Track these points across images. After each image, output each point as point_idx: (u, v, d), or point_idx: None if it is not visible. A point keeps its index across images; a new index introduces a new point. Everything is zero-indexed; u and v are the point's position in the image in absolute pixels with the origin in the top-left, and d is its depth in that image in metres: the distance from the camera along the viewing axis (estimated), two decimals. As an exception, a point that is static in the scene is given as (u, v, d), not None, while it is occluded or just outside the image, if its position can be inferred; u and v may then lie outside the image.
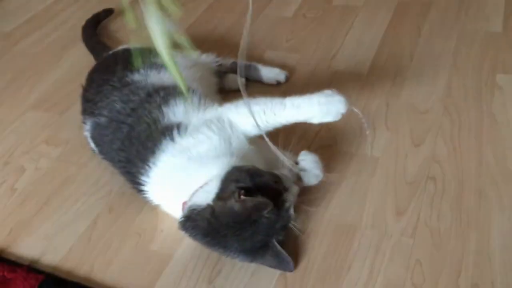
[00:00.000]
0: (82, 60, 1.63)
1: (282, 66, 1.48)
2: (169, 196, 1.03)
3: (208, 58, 1.42)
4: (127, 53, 1.27)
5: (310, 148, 1.22)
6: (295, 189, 0.99)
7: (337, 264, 0.98)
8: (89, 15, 1.86)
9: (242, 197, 0.89)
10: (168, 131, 1.03)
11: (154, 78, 1.17)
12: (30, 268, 1.01)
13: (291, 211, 0.96)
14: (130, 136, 1.08)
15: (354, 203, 1.09)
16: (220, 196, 0.92)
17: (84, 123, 1.22)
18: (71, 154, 1.30)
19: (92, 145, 1.21)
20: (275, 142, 1.02)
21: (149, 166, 1.02)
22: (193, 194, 0.96)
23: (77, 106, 1.43)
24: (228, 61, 1.45)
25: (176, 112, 1.07)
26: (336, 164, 1.18)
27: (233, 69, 1.46)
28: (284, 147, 1.07)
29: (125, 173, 1.11)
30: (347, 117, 1.28)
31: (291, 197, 0.97)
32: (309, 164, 1.04)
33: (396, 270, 0.95)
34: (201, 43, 1.58)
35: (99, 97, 1.18)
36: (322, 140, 1.25)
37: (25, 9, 2.00)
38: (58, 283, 0.98)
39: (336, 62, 1.51)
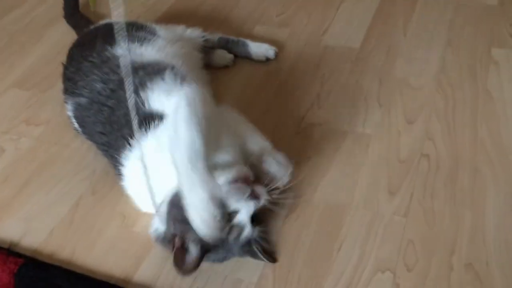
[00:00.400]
0: (65, 38, 1.57)
1: (271, 42, 1.43)
2: (141, 194, 0.96)
3: (194, 33, 1.37)
4: (108, 27, 1.21)
5: (300, 126, 1.19)
6: (249, 207, 0.87)
7: (328, 244, 0.95)
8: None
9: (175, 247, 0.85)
10: (144, 122, 0.94)
11: (135, 53, 1.11)
12: (10, 252, 0.97)
13: (247, 230, 0.88)
14: (111, 120, 1.01)
15: (346, 182, 1.05)
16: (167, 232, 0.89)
17: (66, 102, 1.17)
18: (52, 134, 1.25)
19: (76, 125, 1.16)
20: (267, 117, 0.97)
21: (125, 156, 0.96)
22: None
23: (59, 85, 1.38)
24: (215, 37, 1.40)
25: (152, 99, 0.97)
26: (327, 143, 1.14)
27: (220, 45, 1.41)
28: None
29: (107, 156, 1.06)
30: (340, 94, 1.26)
31: (242, 218, 0.87)
32: (273, 166, 0.95)
33: (388, 250, 0.92)
34: (188, 18, 1.53)
35: (79, 75, 1.13)
36: (313, 118, 1.21)
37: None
38: (39, 267, 0.94)
39: (328, 37, 1.46)
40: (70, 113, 1.16)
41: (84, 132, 1.14)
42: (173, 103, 0.92)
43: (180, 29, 1.35)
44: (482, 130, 1.13)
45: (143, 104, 0.96)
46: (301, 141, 1.15)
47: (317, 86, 1.29)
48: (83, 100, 1.09)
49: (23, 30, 1.66)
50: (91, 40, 1.20)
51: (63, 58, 1.39)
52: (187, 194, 0.82)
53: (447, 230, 0.94)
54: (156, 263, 0.95)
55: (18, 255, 0.97)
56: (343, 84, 1.29)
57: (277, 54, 1.41)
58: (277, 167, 0.95)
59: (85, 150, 1.19)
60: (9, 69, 1.50)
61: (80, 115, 1.11)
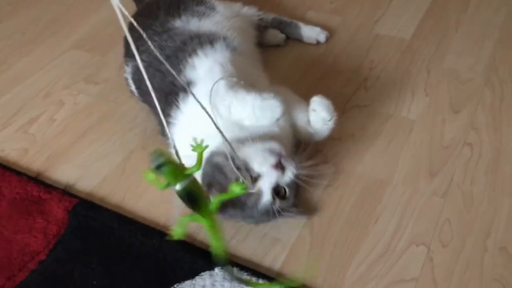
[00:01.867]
0: (125, 5, 1.65)
1: (323, 28, 1.47)
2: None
3: (250, 11, 1.42)
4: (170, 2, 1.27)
5: (345, 106, 1.22)
6: (271, 176, 0.89)
7: (365, 216, 0.98)
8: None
9: None
10: (183, 89, 0.98)
11: (193, 25, 1.16)
12: (65, 192, 1.04)
13: (266, 198, 0.89)
14: (162, 86, 1.06)
15: (387, 161, 1.08)
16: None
17: (126, 65, 1.23)
18: (109, 93, 1.32)
19: (133, 87, 1.22)
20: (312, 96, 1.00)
21: (170, 122, 0.99)
22: None
23: (118, 48, 1.46)
24: (269, 16, 1.45)
25: (199, 65, 1.02)
26: (372, 124, 1.17)
27: (273, 25, 1.45)
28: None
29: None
30: (387, 80, 1.29)
31: (262, 185, 0.89)
32: (318, 106, 0.99)
33: (424, 225, 0.95)
34: (244, -2, 1.58)
35: (141, 41, 1.19)
36: (359, 99, 1.24)
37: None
38: (91, 207, 1.01)
39: (379, 26, 1.48)
40: (128, 76, 1.22)
41: (139, 94, 1.20)
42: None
43: (237, 6, 1.40)
44: (528, 126, 1.14)
45: (186, 71, 1.01)
46: (345, 120, 1.18)
47: (365, 70, 1.32)
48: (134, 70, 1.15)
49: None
50: (153, 10, 1.26)
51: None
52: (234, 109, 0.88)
53: (484, 214, 0.96)
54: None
55: (73, 195, 1.04)
56: (391, 71, 1.32)
57: (327, 39, 1.44)
58: (321, 107, 0.98)
59: (138, 110, 1.26)
60: (71, 30, 1.58)
61: (138, 78, 1.18)
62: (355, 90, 1.26)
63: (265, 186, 0.88)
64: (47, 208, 1.00)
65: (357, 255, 0.91)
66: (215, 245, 0.73)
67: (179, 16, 1.18)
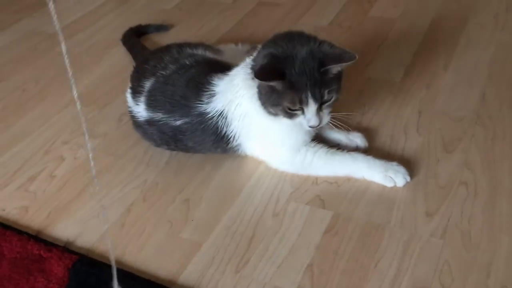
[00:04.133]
0: (122, 61, 1.70)
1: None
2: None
3: (245, 47, 1.54)
4: (179, 45, 1.36)
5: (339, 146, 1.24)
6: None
7: (365, 260, 0.98)
8: (130, 19, 1.94)
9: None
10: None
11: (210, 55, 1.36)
12: (65, 249, 1.05)
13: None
14: (184, 92, 1.20)
15: (384, 203, 1.09)
16: None
17: (137, 98, 1.27)
18: (108, 146, 1.35)
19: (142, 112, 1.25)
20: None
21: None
22: None
23: (116, 103, 1.50)
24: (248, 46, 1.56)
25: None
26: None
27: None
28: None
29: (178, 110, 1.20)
30: (379, 121, 1.31)
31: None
32: (355, 137, 1.23)
33: (424, 268, 0.95)
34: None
35: (159, 64, 1.28)
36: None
37: (69, 12, 2.09)
38: (91, 264, 1.01)
39: (370, 70, 1.52)
40: (140, 108, 1.25)
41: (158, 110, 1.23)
42: None
43: (233, 46, 1.56)
44: (521, 162, 1.15)
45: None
46: (341, 164, 1.20)
47: (358, 115, 1.35)
48: (161, 77, 1.24)
49: (85, 52, 1.80)
50: (164, 50, 1.35)
51: (120, 78, 1.53)
52: None
53: (484, 253, 0.96)
54: (200, 268, 1.00)
55: (73, 252, 1.04)
56: (383, 114, 1.34)
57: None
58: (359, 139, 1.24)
59: (138, 162, 1.28)
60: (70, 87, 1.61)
61: (158, 90, 1.23)
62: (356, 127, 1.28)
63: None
64: (47, 267, 1.00)
65: (358, 302, 0.91)
66: None
67: (196, 48, 1.33)
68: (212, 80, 1.19)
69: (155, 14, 1.99)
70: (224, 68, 1.21)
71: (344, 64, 1.05)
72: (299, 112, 1.07)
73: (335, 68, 1.05)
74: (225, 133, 1.18)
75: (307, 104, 1.05)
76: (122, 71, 1.64)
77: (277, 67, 1.04)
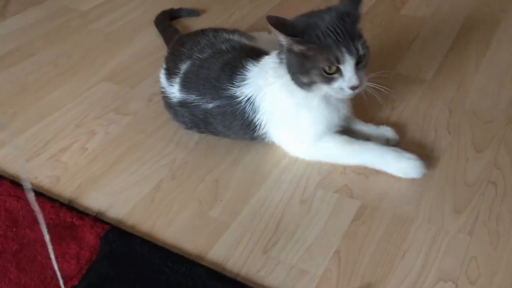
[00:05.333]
0: (153, 42, 1.72)
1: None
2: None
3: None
4: (215, 30, 1.37)
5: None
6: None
7: (391, 251, 0.99)
8: (161, 2, 1.96)
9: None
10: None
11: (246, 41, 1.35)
12: (97, 218, 1.07)
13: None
14: (219, 74, 1.21)
15: (412, 197, 1.10)
16: None
17: (172, 79, 1.28)
18: (138, 124, 1.37)
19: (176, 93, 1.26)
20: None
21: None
22: None
23: (147, 82, 1.52)
24: None
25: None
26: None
27: None
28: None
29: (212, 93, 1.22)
30: (408, 117, 1.32)
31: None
32: (386, 131, 1.23)
33: (451, 263, 0.96)
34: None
35: (194, 48, 1.29)
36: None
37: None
38: (122, 234, 1.03)
39: (400, 67, 1.53)
40: (175, 89, 1.26)
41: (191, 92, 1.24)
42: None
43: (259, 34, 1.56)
44: (551, 166, 1.15)
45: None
46: (370, 156, 1.21)
47: (387, 109, 1.36)
48: (198, 59, 1.26)
49: (117, 31, 1.82)
50: (199, 33, 1.36)
51: (151, 58, 1.55)
52: None
53: (511, 252, 0.97)
54: (228, 246, 1.02)
55: (105, 222, 1.06)
56: (413, 110, 1.35)
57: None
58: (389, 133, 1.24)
59: (167, 140, 1.30)
60: (103, 64, 1.64)
61: (196, 71, 1.24)
62: (384, 121, 1.29)
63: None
64: (79, 234, 1.02)
65: (384, 290, 0.92)
66: None
67: (232, 34, 1.34)
68: (246, 65, 1.20)
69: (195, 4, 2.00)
70: (260, 54, 1.22)
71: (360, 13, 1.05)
72: (336, 75, 1.05)
73: (359, 22, 1.06)
74: (252, 119, 1.18)
75: (344, 61, 1.03)
76: (153, 52, 1.66)
77: (302, 26, 1.04)
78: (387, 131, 1.24)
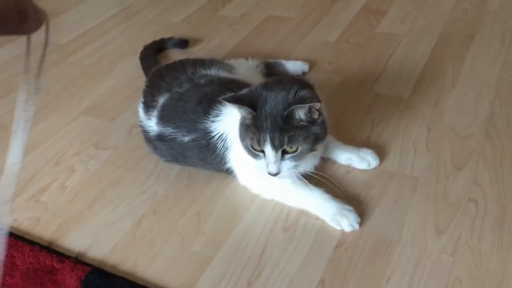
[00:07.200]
0: (132, 73, 1.72)
1: (323, 87, 1.52)
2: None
3: (255, 62, 1.56)
4: (195, 60, 1.38)
5: (350, 166, 1.25)
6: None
7: (376, 276, 0.98)
8: (139, 32, 1.97)
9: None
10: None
11: (224, 74, 1.35)
12: (77, 260, 1.05)
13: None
14: (198, 107, 1.20)
15: (394, 220, 1.10)
16: None
17: (149, 112, 1.27)
18: (118, 158, 1.36)
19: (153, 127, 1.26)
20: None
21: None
22: None
23: (126, 114, 1.52)
24: (260, 62, 1.58)
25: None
26: (376, 183, 1.19)
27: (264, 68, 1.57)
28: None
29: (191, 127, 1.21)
30: (389, 137, 1.32)
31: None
32: (366, 154, 1.23)
33: (435, 285, 0.95)
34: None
35: (175, 82, 1.29)
36: (363, 158, 1.27)
37: (80, 23, 2.12)
38: (104, 276, 1.01)
39: (378, 85, 1.54)
40: (153, 122, 1.26)
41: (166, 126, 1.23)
42: None
43: (243, 61, 1.57)
44: (530, 180, 1.16)
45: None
46: (350, 180, 1.21)
47: (367, 129, 1.36)
48: (175, 94, 1.25)
49: (96, 63, 1.82)
50: (179, 66, 1.36)
51: (129, 91, 1.55)
52: None
53: (494, 271, 0.97)
54: (212, 281, 1.01)
55: (85, 263, 1.05)
56: (392, 129, 1.35)
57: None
58: (369, 156, 1.24)
59: (148, 174, 1.29)
60: (82, 98, 1.64)
61: (174, 104, 1.24)
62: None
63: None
64: (60, 278, 1.01)
65: (370, 318, 0.92)
66: None
67: (209, 68, 1.33)
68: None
69: (164, 27, 2.01)
70: (242, 87, 1.19)
71: (304, 107, 1.01)
72: (261, 154, 1.05)
73: (299, 113, 1.02)
74: (223, 155, 1.17)
75: (264, 147, 1.03)
76: (132, 84, 1.66)
77: (251, 98, 1.04)
78: (368, 154, 1.24)
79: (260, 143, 1.03)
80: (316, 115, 1.05)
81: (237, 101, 1.05)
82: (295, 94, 1.03)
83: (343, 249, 1.04)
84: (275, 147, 1.02)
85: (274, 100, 1.03)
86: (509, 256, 0.99)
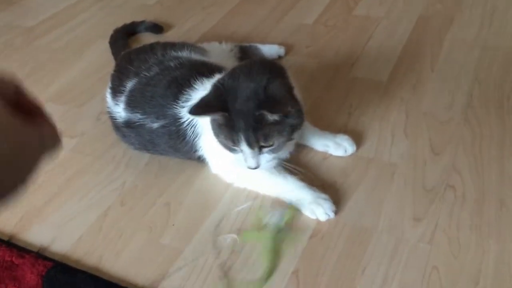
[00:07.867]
0: (102, 58, 1.65)
1: (300, 71, 1.48)
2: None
3: (229, 46, 1.50)
4: (165, 43, 1.32)
5: (326, 153, 1.21)
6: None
7: (352, 266, 0.95)
8: (111, 15, 1.89)
9: None
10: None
11: (196, 56, 1.27)
12: (39, 255, 1.00)
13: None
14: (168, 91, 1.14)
15: (371, 207, 1.06)
16: None
17: (117, 98, 1.21)
18: (86, 146, 1.30)
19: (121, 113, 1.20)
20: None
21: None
22: None
23: (95, 101, 1.45)
24: (235, 46, 1.52)
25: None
26: (353, 170, 1.16)
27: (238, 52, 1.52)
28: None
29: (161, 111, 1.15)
30: (365, 122, 1.29)
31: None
32: (343, 141, 1.19)
33: (412, 275, 0.92)
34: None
35: (144, 65, 1.22)
36: (340, 144, 1.23)
37: (47, 6, 2.03)
38: (66, 271, 0.96)
39: (356, 69, 1.50)
40: (120, 107, 1.20)
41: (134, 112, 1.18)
42: None
43: (217, 44, 1.51)
44: (509, 166, 1.13)
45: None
46: (327, 167, 1.17)
47: (344, 115, 1.32)
48: (144, 78, 1.19)
49: (64, 47, 1.74)
50: (148, 49, 1.29)
51: (99, 76, 1.47)
52: None
53: (472, 260, 0.94)
54: (181, 277, 0.96)
55: (47, 258, 0.99)
56: (370, 115, 1.32)
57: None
58: (346, 142, 1.20)
59: (116, 163, 1.23)
60: (47, 84, 1.56)
61: (142, 89, 1.18)
62: (337, 132, 1.25)
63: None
64: (19, 274, 0.95)
65: (345, 310, 0.88)
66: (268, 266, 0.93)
67: (181, 51, 1.27)
68: (194, 84, 1.12)
69: (136, 9, 1.94)
70: (213, 70, 1.14)
71: (274, 114, 0.96)
72: (238, 149, 1.01)
73: (270, 115, 0.97)
74: (193, 142, 1.12)
75: (240, 146, 0.99)
76: (102, 69, 1.59)
77: (218, 100, 0.99)
78: (345, 141, 1.20)
79: (235, 142, 0.99)
80: (289, 111, 1.00)
81: (204, 111, 1.00)
82: (265, 88, 0.97)
83: (318, 239, 1.01)
84: (251, 145, 0.98)
85: (244, 96, 0.97)
86: (488, 244, 0.96)
